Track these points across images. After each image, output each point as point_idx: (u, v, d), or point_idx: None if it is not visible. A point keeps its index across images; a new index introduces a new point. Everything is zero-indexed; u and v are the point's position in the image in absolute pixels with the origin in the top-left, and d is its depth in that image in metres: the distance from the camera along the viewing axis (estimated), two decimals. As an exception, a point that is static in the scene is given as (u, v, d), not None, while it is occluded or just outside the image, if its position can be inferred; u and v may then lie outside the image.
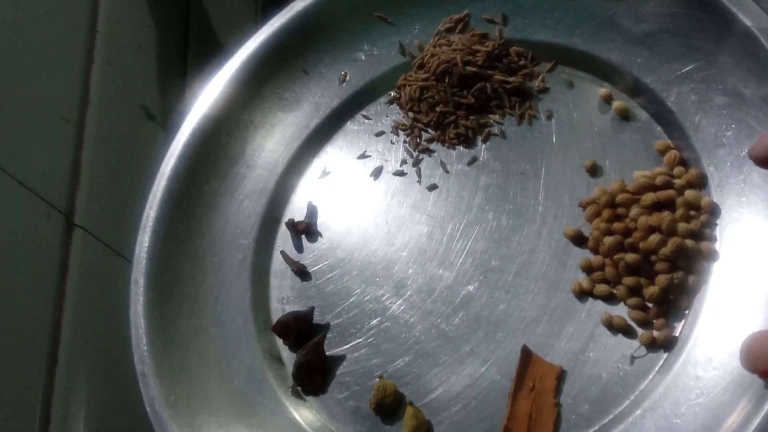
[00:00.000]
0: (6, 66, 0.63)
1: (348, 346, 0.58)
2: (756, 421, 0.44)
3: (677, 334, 0.50)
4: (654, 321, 0.52)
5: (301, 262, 0.61)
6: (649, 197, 0.53)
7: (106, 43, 0.72)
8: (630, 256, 0.53)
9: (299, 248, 0.62)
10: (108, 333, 0.64)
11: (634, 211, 0.54)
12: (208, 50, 0.85)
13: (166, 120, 0.75)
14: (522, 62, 0.61)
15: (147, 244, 0.62)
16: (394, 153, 0.63)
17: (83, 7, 0.71)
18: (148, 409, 0.57)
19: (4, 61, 0.63)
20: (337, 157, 0.64)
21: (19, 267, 0.59)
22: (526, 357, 0.53)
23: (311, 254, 0.62)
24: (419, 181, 0.61)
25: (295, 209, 0.64)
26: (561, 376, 0.52)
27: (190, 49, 0.82)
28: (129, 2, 0.76)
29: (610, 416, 0.50)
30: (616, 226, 0.54)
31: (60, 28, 0.69)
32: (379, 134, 0.64)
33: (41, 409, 0.57)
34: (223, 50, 0.86)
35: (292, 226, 0.62)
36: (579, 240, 0.55)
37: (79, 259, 0.63)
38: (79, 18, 0.71)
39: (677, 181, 0.53)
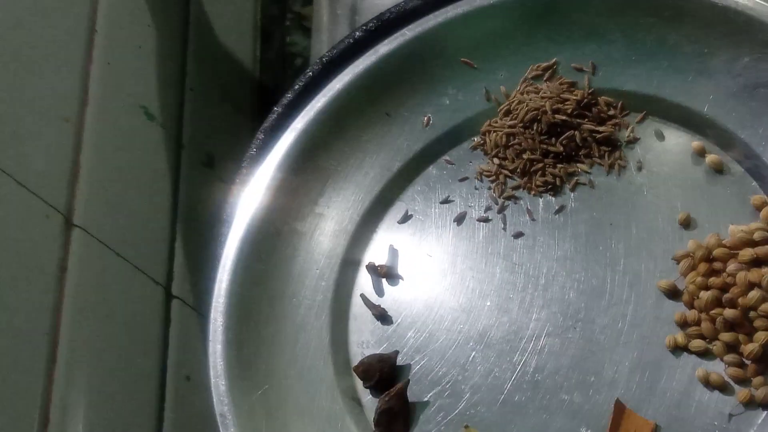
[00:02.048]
0: (5, 65, 0.63)
1: (431, 393, 0.57)
2: None
3: (778, 393, 0.49)
4: (752, 378, 0.51)
5: (382, 306, 0.61)
6: (747, 252, 0.53)
7: (106, 42, 0.71)
8: (729, 312, 0.52)
9: (380, 292, 0.61)
10: (107, 333, 0.63)
11: (732, 266, 0.53)
12: (208, 50, 0.85)
13: (165, 120, 0.75)
14: (611, 112, 0.61)
15: (226, 283, 0.61)
16: (478, 199, 0.62)
17: (82, 7, 0.71)
18: (228, 451, 0.56)
19: (3, 61, 0.63)
20: (419, 202, 0.64)
21: (17, 267, 0.59)
22: (620, 411, 0.52)
23: (392, 298, 0.61)
24: (504, 228, 0.60)
25: (376, 253, 0.63)
26: (655, 431, 0.51)
27: (190, 49, 0.82)
28: (128, 2, 0.76)
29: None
30: (713, 280, 0.53)
31: (59, 27, 0.68)
32: (463, 180, 0.63)
33: (40, 410, 0.56)
34: (222, 49, 0.87)
35: (373, 269, 0.62)
36: (673, 294, 0.55)
37: (78, 259, 0.62)
38: (78, 18, 0.70)
39: (776, 237, 0.53)
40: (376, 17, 0.67)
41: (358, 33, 0.67)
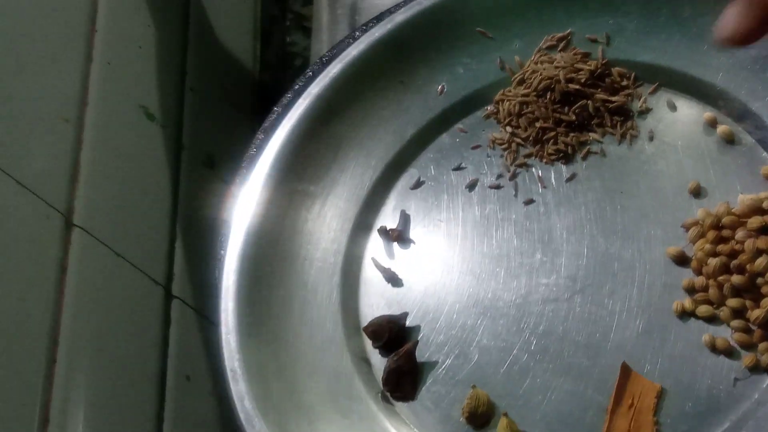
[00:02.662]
0: (4, 65, 0.63)
1: (439, 354, 0.58)
2: None
3: (784, 358, 0.50)
4: (758, 344, 0.52)
5: (392, 269, 0.61)
6: (756, 220, 0.53)
7: (106, 42, 0.71)
8: (736, 278, 0.52)
9: (391, 255, 0.62)
10: (107, 333, 0.63)
11: (741, 233, 0.53)
12: (208, 50, 0.85)
13: (165, 119, 0.75)
14: (624, 83, 0.61)
15: (239, 243, 0.62)
16: (490, 167, 0.63)
17: (82, 7, 0.71)
18: (237, 406, 0.56)
19: (3, 61, 0.63)
20: (431, 168, 0.64)
21: (17, 267, 0.58)
22: (626, 374, 0.53)
23: (402, 262, 0.62)
24: (515, 195, 0.61)
25: (388, 218, 0.64)
26: (661, 394, 0.52)
27: (190, 49, 0.82)
28: (128, 2, 0.76)
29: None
30: (722, 248, 0.54)
31: (59, 27, 0.68)
32: (475, 147, 0.64)
33: (40, 410, 0.56)
34: (222, 49, 0.87)
35: (385, 233, 0.62)
36: (681, 260, 0.55)
37: (78, 259, 0.62)
38: (78, 17, 0.70)
39: (785, 206, 0.53)
40: (376, 17, 0.67)
41: (358, 33, 0.67)
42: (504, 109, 0.63)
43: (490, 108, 0.65)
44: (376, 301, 0.61)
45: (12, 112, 0.62)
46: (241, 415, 0.56)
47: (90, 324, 0.62)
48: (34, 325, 0.58)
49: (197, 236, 0.73)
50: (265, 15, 0.95)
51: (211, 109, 0.83)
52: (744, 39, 0.38)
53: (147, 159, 0.73)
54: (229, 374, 0.58)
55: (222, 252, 0.63)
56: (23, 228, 0.59)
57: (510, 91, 0.63)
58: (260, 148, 0.65)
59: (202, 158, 0.79)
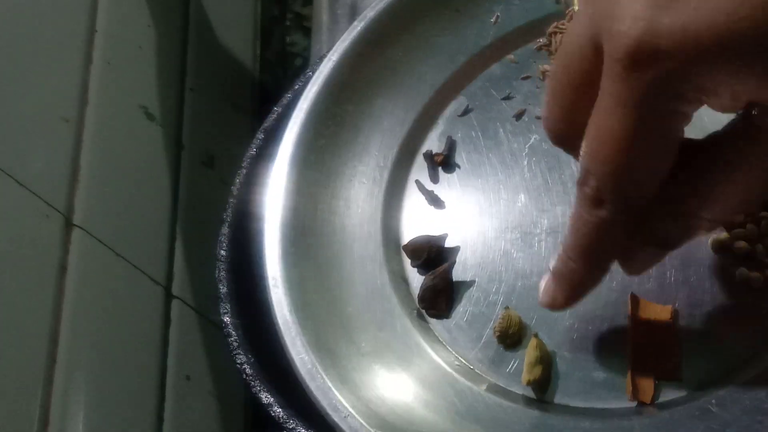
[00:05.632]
0: (5, 65, 0.63)
1: (476, 276, 0.59)
2: None
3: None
4: (793, 280, 0.52)
5: (435, 192, 0.62)
6: (800, 159, 0.53)
7: (106, 42, 0.72)
8: (774, 215, 0.53)
9: (435, 179, 0.63)
10: (107, 333, 0.64)
11: (783, 172, 0.53)
12: (208, 50, 0.85)
13: (165, 119, 0.76)
14: (679, 20, 0.61)
15: (287, 161, 0.63)
16: (538, 98, 0.63)
17: (83, 7, 0.71)
18: (276, 312, 0.58)
19: (3, 61, 0.63)
20: (480, 97, 0.65)
21: (17, 267, 0.59)
22: (635, 303, 0.53)
23: (446, 186, 0.63)
24: (562, 126, 0.61)
25: (434, 143, 0.65)
26: (675, 314, 0.52)
27: (190, 49, 0.83)
28: (128, 2, 0.77)
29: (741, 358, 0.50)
30: (763, 185, 0.54)
31: (59, 27, 0.69)
32: (525, 78, 0.64)
33: (40, 410, 0.57)
34: (222, 50, 0.88)
35: (430, 157, 0.64)
36: (722, 196, 0.55)
37: (78, 259, 0.63)
38: (79, 18, 0.71)
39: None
40: None
41: None
42: (556, 42, 0.63)
43: (542, 40, 0.65)
44: (417, 222, 0.62)
45: (12, 112, 0.62)
46: (279, 321, 0.58)
47: (90, 324, 0.62)
48: (34, 326, 0.58)
49: (197, 236, 0.75)
50: (264, 15, 0.96)
51: (211, 109, 0.84)
52: (561, 307, 0.48)
53: (147, 159, 0.74)
54: (270, 281, 0.59)
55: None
56: (23, 228, 0.60)
57: (563, 24, 0.64)
58: (315, 66, 0.66)
59: (202, 158, 0.80)
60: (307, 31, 0.95)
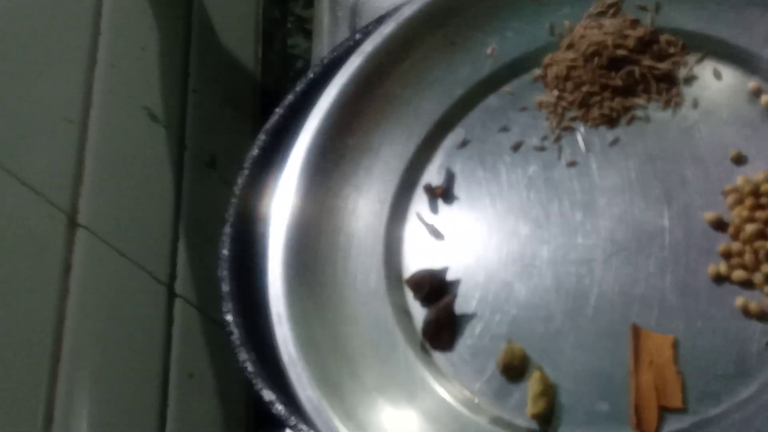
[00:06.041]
0: (10, 67, 0.63)
1: (478, 308, 0.59)
2: None
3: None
4: (791, 310, 0.53)
5: (435, 224, 0.63)
6: (795, 189, 0.54)
7: (110, 44, 0.72)
8: (771, 244, 0.53)
9: (435, 211, 0.64)
10: (111, 332, 0.64)
11: (779, 201, 0.54)
12: (210, 52, 0.86)
13: (168, 120, 0.76)
14: (672, 50, 0.62)
15: (290, 193, 0.64)
16: (535, 129, 0.64)
17: (87, 10, 0.71)
18: (281, 348, 0.59)
19: (8, 62, 0.63)
20: (477, 129, 0.66)
21: (22, 267, 0.59)
22: (637, 334, 0.54)
23: (446, 218, 0.64)
24: (559, 158, 0.62)
25: (433, 175, 0.65)
26: (676, 344, 0.53)
27: (192, 51, 0.83)
28: (131, 4, 0.77)
29: (739, 395, 0.51)
30: (759, 214, 0.55)
31: (64, 30, 0.69)
32: (522, 109, 0.65)
33: (44, 408, 0.57)
34: (224, 52, 0.88)
35: (430, 189, 0.64)
36: (719, 226, 0.56)
37: (82, 259, 0.63)
38: (83, 20, 0.71)
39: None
40: (376, 20, 0.69)
41: (358, 35, 0.69)
42: (552, 73, 0.64)
43: (538, 72, 0.66)
44: (418, 254, 0.63)
45: (17, 113, 0.62)
46: (285, 357, 0.59)
47: (94, 323, 0.63)
48: (39, 324, 0.59)
49: (200, 236, 0.75)
50: (266, 18, 0.96)
51: (214, 110, 0.84)
52: None
53: (150, 159, 0.74)
54: (275, 318, 0.60)
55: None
56: (28, 228, 0.60)
57: (558, 56, 0.65)
58: (314, 101, 0.67)
59: (205, 159, 0.80)
60: (308, 34, 0.95)
